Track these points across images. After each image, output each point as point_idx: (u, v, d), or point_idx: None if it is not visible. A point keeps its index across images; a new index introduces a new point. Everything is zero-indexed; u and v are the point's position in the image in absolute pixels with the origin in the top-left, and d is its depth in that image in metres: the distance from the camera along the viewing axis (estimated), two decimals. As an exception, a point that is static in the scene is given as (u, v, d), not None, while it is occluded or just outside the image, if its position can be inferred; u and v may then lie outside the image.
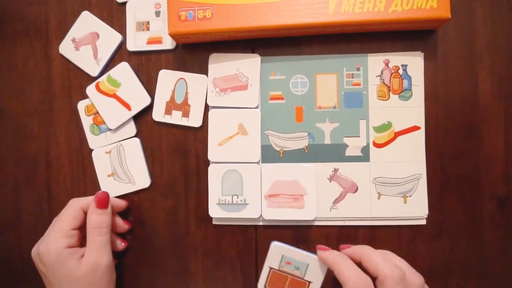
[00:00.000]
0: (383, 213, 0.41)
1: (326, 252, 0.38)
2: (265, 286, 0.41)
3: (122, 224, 0.43)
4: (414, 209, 0.41)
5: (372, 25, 0.39)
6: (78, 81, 0.45)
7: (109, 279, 0.39)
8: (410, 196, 0.41)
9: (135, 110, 0.43)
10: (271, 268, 0.41)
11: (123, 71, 0.44)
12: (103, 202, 0.40)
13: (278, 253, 0.41)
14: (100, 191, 0.41)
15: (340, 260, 0.36)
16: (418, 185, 0.41)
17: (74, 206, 0.40)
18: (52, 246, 0.38)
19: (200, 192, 0.43)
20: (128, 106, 0.43)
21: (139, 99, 0.43)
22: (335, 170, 0.42)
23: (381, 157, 0.41)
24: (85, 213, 0.40)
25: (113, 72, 0.44)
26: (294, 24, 0.39)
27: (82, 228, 0.40)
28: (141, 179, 0.44)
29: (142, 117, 0.44)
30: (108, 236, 0.40)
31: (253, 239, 0.43)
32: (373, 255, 0.36)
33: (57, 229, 0.39)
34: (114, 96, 0.44)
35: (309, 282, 0.40)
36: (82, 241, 0.40)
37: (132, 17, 0.44)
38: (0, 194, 0.46)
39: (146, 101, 0.43)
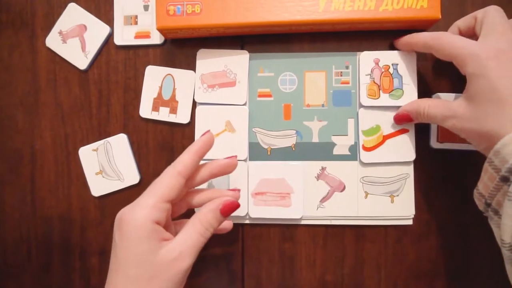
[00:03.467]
0: (370, 212, 0.41)
1: (400, 39, 0.41)
2: (438, 140, 0.41)
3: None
4: (401, 209, 0.41)
5: (362, 23, 0.39)
6: (64, 74, 0.44)
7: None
8: (397, 195, 0.41)
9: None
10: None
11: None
12: (230, 211, 0.34)
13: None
14: (231, 199, 0.34)
15: (412, 35, 0.39)
16: (406, 185, 0.41)
17: (172, 173, 0.32)
18: (138, 214, 0.30)
19: (186, 189, 0.43)
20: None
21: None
22: (323, 168, 0.42)
23: (369, 158, 0.41)
24: (184, 180, 0.33)
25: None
26: (284, 21, 0.38)
27: (176, 201, 0.34)
28: (130, 176, 0.43)
29: (129, 114, 0.43)
30: (206, 240, 0.33)
31: (239, 237, 0.43)
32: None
33: (150, 195, 0.31)
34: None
35: None
36: (168, 219, 0.34)
37: (120, 10, 0.43)
38: (-17, 188, 0.45)
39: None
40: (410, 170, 0.41)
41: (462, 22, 0.38)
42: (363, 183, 0.41)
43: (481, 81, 0.33)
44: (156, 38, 0.43)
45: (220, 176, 0.36)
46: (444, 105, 0.36)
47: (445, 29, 0.41)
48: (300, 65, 0.42)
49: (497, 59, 0.32)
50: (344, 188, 0.41)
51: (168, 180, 0.32)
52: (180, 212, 0.36)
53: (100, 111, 0.44)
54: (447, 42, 0.35)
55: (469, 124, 0.34)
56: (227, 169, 0.36)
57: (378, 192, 0.41)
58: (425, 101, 0.38)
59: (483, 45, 0.34)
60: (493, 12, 0.35)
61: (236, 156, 0.36)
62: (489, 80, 0.32)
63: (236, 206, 0.34)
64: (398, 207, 0.41)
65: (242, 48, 0.42)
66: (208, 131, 0.35)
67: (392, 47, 0.41)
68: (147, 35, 0.43)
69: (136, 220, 0.30)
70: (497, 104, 0.32)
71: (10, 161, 0.45)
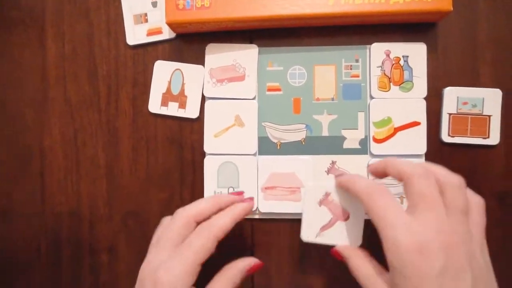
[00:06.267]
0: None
1: (341, 176, 0.36)
2: (449, 134, 0.40)
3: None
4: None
5: (373, 16, 0.38)
6: (73, 70, 0.44)
7: None
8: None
9: None
10: (450, 114, 0.40)
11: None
12: (254, 271, 0.37)
13: (453, 96, 0.40)
14: (256, 262, 0.36)
15: (352, 177, 0.35)
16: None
17: (209, 237, 0.34)
18: (177, 280, 0.31)
19: (195, 184, 0.43)
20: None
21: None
22: (333, 162, 0.41)
23: (380, 150, 0.41)
24: (217, 243, 0.34)
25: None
26: (294, 14, 0.38)
27: None
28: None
29: (137, 109, 0.43)
30: None
31: (249, 232, 0.43)
32: (397, 160, 0.32)
33: (185, 258, 0.32)
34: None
35: (489, 116, 0.40)
36: None
37: (128, 10, 0.43)
38: (-7, 185, 0.45)
39: None
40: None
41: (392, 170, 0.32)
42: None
43: (402, 279, 0.28)
44: (169, 33, 0.43)
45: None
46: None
47: (457, 21, 0.41)
48: (309, 58, 0.42)
49: (421, 253, 0.27)
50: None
51: (205, 243, 0.33)
52: None
53: (109, 107, 0.44)
54: (377, 207, 0.30)
55: None
56: (248, 212, 0.37)
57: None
58: (359, 258, 0.34)
59: (411, 231, 0.28)
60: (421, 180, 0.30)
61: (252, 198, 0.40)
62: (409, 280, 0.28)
63: (260, 266, 0.37)
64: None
65: (251, 42, 0.42)
66: (252, 198, 0.40)
67: (403, 40, 0.41)
68: (159, 31, 0.43)
69: (175, 286, 0.31)
70: None
71: (20, 158, 0.45)
